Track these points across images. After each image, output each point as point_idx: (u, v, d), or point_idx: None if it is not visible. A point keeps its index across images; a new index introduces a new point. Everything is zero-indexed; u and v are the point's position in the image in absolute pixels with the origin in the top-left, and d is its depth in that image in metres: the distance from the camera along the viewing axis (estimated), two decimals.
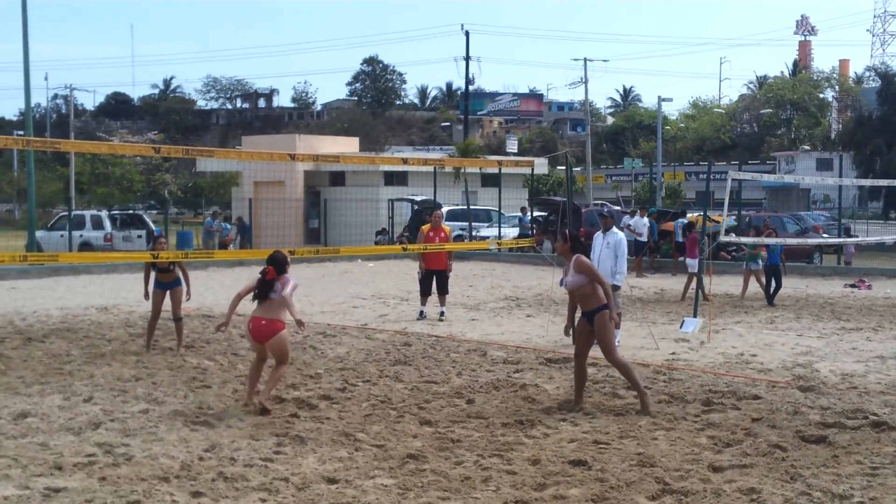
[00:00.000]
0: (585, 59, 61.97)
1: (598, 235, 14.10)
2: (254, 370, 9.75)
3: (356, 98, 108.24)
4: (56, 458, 7.57)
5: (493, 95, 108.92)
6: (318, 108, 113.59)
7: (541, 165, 48.17)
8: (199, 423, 8.79)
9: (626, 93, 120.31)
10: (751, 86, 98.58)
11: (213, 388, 10.41)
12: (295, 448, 7.99)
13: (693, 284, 18.06)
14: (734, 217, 29.53)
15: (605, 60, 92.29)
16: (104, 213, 37.28)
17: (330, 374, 11.26)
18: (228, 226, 35.94)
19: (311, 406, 9.55)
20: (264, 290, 9.48)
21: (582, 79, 62.48)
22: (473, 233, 32.80)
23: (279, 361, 9.54)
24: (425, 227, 16.98)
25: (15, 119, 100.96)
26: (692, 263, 19.28)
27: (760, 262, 19.50)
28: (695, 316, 15.54)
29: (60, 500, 6.60)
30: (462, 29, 64.96)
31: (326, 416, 9.13)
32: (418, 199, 37.86)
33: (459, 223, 33.34)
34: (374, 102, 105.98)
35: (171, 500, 6.61)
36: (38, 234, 31.70)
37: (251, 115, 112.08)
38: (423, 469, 7.38)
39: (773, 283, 19.04)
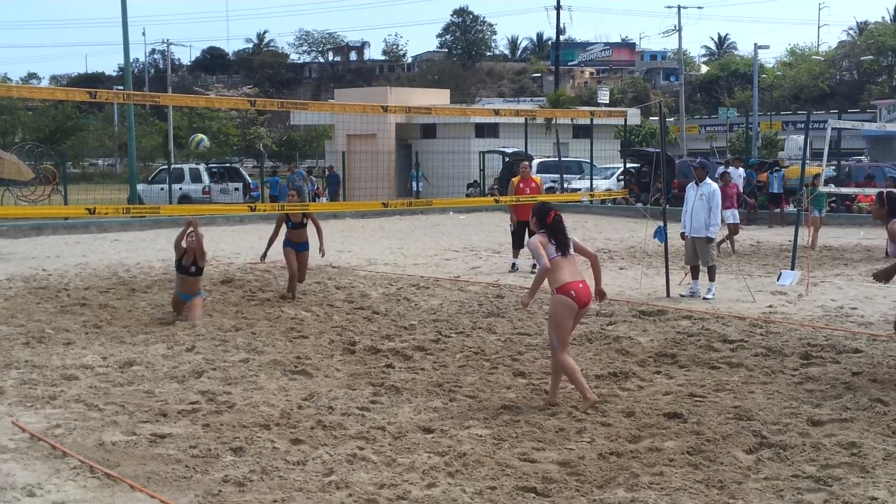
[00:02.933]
0: (679, 7, 60.63)
1: (692, 186, 13.91)
2: (573, 365, 8.01)
3: (446, 50, 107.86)
4: (161, 406, 7.83)
5: (585, 45, 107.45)
6: (409, 60, 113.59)
7: (633, 116, 47.42)
8: (297, 373, 8.99)
9: (721, 41, 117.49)
10: (851, 32, 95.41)
11: (311, 339, 10.61)
12: (391, 398, 8.12)
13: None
14: (833, 167, 28.79)
15: (699, 8, 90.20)
16: (202, 167, 38.03)
17: (424, 326, 11.38)
18: (315, 179, 36.40)
19: (406, 357, 9.67)
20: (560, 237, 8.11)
21: (675, 27, 61.23)
22: (565, 184, 32.58)
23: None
24: (515, 179, 16.96)
25: (114, 74, 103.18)
26: (727, 215, 18.32)
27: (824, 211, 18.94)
28: (792, 268, 15.25)
29: (166, 445, 6.82)
30: None
31: (421, 367, 9.24)
32: (509, 150, 37.70)
33: (551, 175, 33.15)
34: (465, 54, 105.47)
35: (272, 446, 6.78)
36: (139, 187, 32.50)
37: (343, 68, 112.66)
38: (518, 420, 7.43)
39: None
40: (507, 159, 36.35)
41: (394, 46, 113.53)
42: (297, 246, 13.54)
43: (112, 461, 6.46)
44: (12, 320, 11.66)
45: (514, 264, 16.68)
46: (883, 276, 9.07)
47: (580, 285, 7.88)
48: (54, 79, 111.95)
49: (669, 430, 7.11)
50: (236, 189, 36.56)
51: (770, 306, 12.67)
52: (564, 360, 7.85)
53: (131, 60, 31.96)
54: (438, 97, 47.97)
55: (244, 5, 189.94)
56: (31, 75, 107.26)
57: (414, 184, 37.48)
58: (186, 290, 11.86)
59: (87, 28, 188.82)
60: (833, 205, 27.65)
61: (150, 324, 11.50)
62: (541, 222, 8.14)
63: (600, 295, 8.32)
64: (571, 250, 8.08)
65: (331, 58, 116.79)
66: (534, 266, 16.30)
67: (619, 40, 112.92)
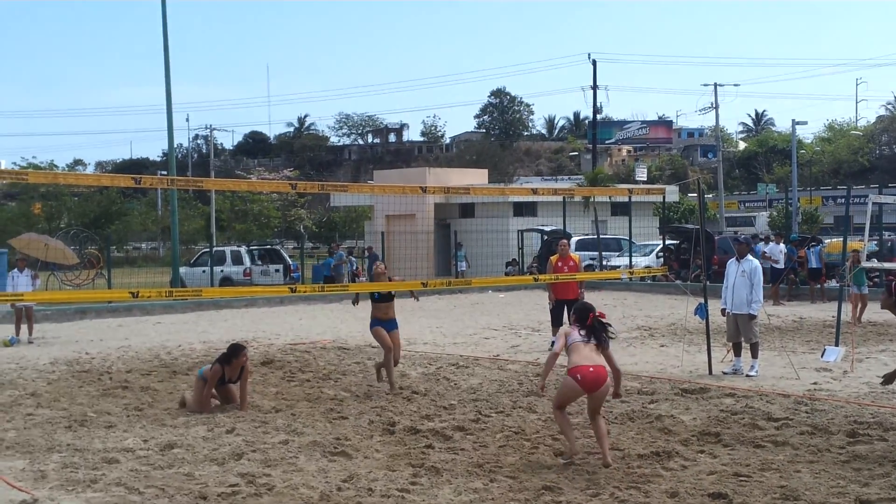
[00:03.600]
0: (716, 84, 60.90)
1: (733, 262, 13.85)
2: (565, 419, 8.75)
3: (484, 130, 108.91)
4: (201, 488, 7.82)
5: (622, 123, 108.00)
6: (447, 141, 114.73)
7: (671, 192, 47.49)
8: (336, 454, 8.95)
9: (759, 117, 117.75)
10: (889, 107, 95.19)
11: (350, 419, 10.58)
12: (430, 479, 8.06)
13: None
14: (875, 242, 28.52)
15: (735, 85, 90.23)
16: (243, 249, 38.41)
17: (463, 405, 11.31)
18: (354, 259, 36.60)
19: (446, 437, 9.61)
20: (598, 334, 8.74)
21: (712, 104, 61.44)
22: (604, 262, 32.54)
23: (598, 411, 8.66)
24: (553, 258, 16.94)
25: (158, 160, 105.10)
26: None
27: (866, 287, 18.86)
28: (836, 344, 15.04)
29: None
30: (589, 58, 64.50)
31: (461, 447, 9.17)
32: (548, 229, 37.78)
33: (589, 252, 33.12)
34: (502, 134, 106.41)
35: None
36: (182, 269, 32.84)
37: (382, 149, 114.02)
38: (560, 500, 7.34)
39: None
40: (546, 237, 36.42)
41: (432, 128, 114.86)
42: (387, 325, 12.67)
43: None
44: (55, 404, 11.76)
45: (553, 342, 16.54)
46: (893, 378, 8.99)
47: (590, 370, 8.30)
48: (100, 165, 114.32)
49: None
50: (277, 270, 36.83)
51: (815, 383, 12.48)
52: (556, 413, 8.69)
53: (175, 146, 32.58)
54: (476, 177, 48.36)
55: (285, 90, 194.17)
56: (77, 161, 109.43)
57: (459, 263, 37.47)
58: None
59: (132, 115, 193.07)
60: (876, 279, 27.33)
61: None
62: (580, 321, 8.71)
63: (616, 396, 9.18)
64: (600, 341, 8.66)
65: (370, 140, 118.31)
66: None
67: (656, 118, 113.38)
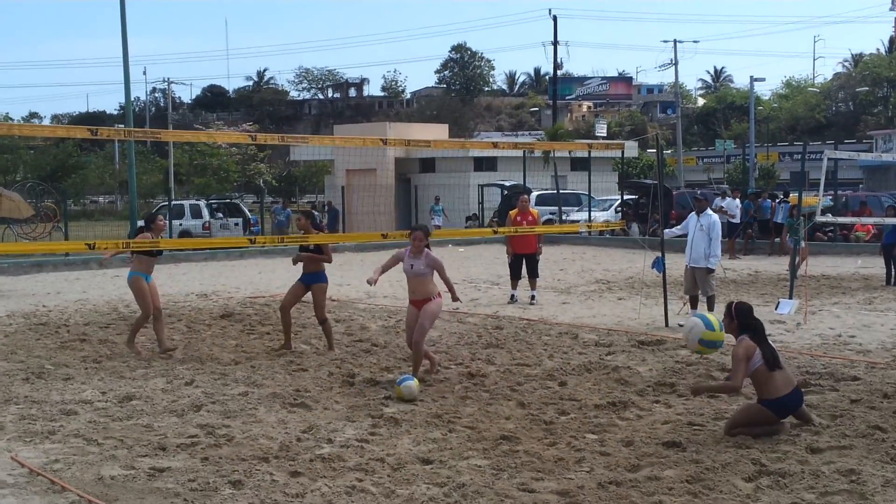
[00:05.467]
0: (675, 41, 61.14)
1: (692, 217, 13.99)
2: None
3: (445, 85, 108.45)
4: (160, 439, 7.83)
5: (582, 79, 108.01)
6: (408, 96, 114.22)
7: (631, 148, 47.64)
8: (296, 406, 8.99)
9: (718, 74, 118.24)
10: (846, 64, 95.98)
11: (310, 371, 10.62)
12: (390, 429, 8.12)
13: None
14: (830, 197, 28.87)
15: (695, 41, 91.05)
16: (202, 203, 38.14)
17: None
18: (316, 214, 36.39)
19: None
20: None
21: (672, 60, 61.67)
22: (564, 217, 32.68)
23: None
24: (513, 212, 17.02)
25: (116, 113, 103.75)
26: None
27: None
28: (790, 297, 15.27)
29: (164, 479, 6.81)
30: (550, 14, 64.21)
31: (420, 398, 9.24)
32: (508, 184, 37.85)
33: (549, 207, 33.25)
34: (463, 89, 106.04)
35: (270, 479, 6.78)
36: (140, 223, 32.53)
37: (342, 104, 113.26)
38: (517, 450, 7.43)
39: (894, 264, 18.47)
40: (506, 192, 36.49)
41: (392, 83, 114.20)
42: (309, 278, 12.09)
43: (111, 495, 6.46)
44: (12, 356, 11.68)
45: (513, 296, 16.70)
46: (702, 390, 8.36)
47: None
48: (56, 118, 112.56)
49: (668, 459, 7.11)
50: (236, 224, 36.64)
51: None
52: None
53: (132, 99, 32.14)
54: (437, 132, 48.23)
55: (244, 44, 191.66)
56: (33, 114, 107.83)
57: (436, 218, 37.26)
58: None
59: (88, 68, 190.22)
60: (831, 234, 27.72)
61: (149, 358, 11.51)
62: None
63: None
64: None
65: (330, 94, 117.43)
66: (532, 298, 16.38)
67: (616, 74, 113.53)
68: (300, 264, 12.19)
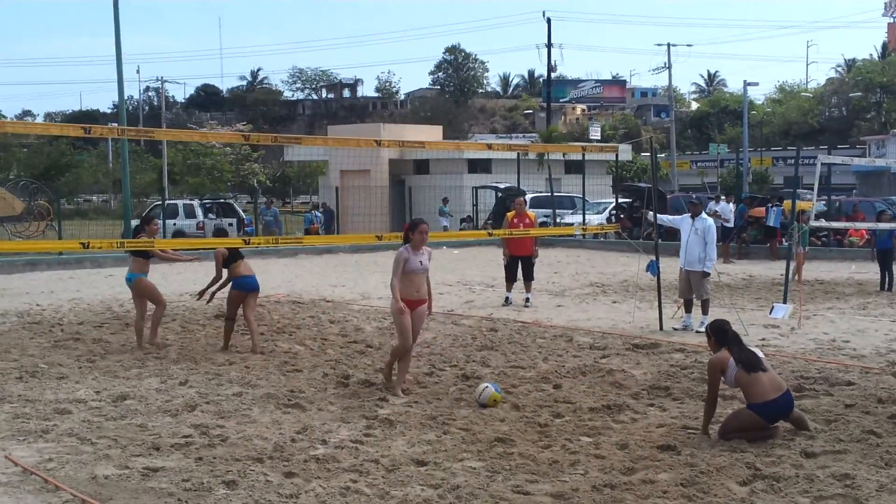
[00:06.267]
0: (669, 45, 61.31)
1: (686, 219, 13.99)
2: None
3: (439, 87, 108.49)
4: (154, 439, 7.81)
5: (576, 82, 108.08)
6: (402, 97, 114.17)
7: (625, 152, 47.74)
8: (290, 406, 8.98)
9: (711, 78, 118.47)
10: (839, 69, 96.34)
11: (304, 372, 10.60)
12: (384, 430, 8.12)
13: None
14: (824, 202, 28.93)
15: (688, 45, 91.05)
16: (196, 202, 38.08)
17: (417, 359, 11.35)
18: (318, 214, 36.39)
19: (400, 390, 9.65)
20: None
21: (665, 64, 61.89)
22: (558, 220, 32.70)
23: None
24: (510, 214, 17.02)
25: (109, 111, 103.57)
26: None
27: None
28: (785, 302, 15.30)
29: (158, 479, 6.80)
30: (544, 16, 64.22)
31: (414, 400, 9.23)
32: (502, 186, 37.85)
33: (543, 210, 33.25)
34: (457, 91, 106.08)
35: (265, 479, 6.77)
36: (133, 222, 32.46)
37: (336, 105, 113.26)
38: (511, 452, 7.43)
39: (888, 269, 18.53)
40: (500, 194, 36.49)
41: (386, 84, 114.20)
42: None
43: (104, 495, 6.44)
44: (6, 355, 11.65)
45: (507, 298, 16.70)
46: (705, 427, 7.93)
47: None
48: (49, 116, 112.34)
49: (663, 463, 7.12)
50: (230, 224, 36.54)
51: (763, 339, 12.70)
52: None
53: (125, 98, 32.09)
54: (431, 134, 48.21)
55: (238, 43, 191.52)
56: (26, 112, 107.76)
57: (443, 219, 37.06)
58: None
59: (81, 66, 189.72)
60: (825, 239, 27.77)
61: (143, 358, 11.48)
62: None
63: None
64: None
65: (324, 95, 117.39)
66: (527, 300, 16.38)
67: (610, 77, 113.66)
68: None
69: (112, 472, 6.92)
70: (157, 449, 7.54)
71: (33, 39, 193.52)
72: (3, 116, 77.25)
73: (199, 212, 36.41)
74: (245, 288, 12.06)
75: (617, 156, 20.18)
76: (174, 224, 34.70)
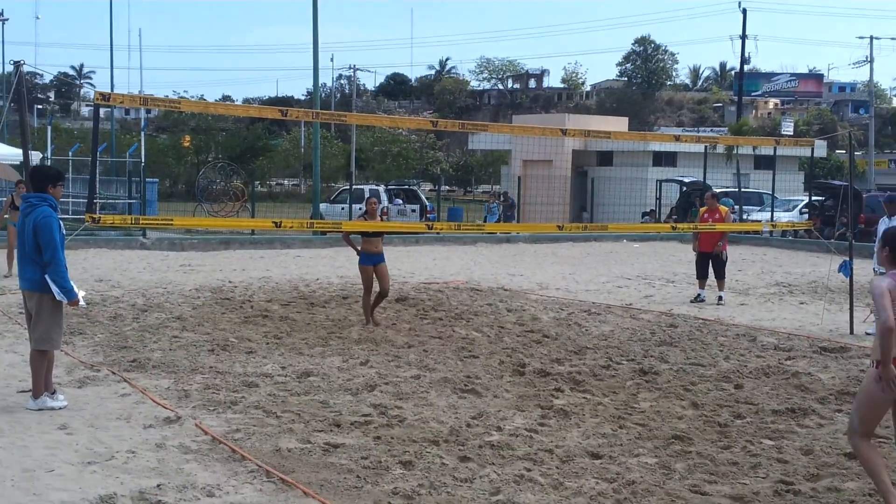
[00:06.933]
0: (871, 37, 58.45)
1: (884, 220, 13.33)
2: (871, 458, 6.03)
3: (626, 78, 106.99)
4: (335, 416, 8.04)
5: (769, 76, 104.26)
6: (587, 88, 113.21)
7: (819, 148, 45.87)
8: (466, 391, 9.06)
9: None
10: None
11: (481, 359, 10.68)
12: (559, 421, 8.09)
13: None
14: None
15: (892, 38, 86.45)
16: (382, 188, 38.93)
17: (594, 351, 11.29)
18: (495, 205, 36.56)
19: (576, 381, 9.61)
20: None
21: (867, 58, 59.02)
22: (744, 216, 31.76)
23: None
24: (702, 210, 16.64)
25: (303, 98, 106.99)
26: None
27: None
28: None
29: (338, 455, 6.99)
30: (739, 7, 62.44)
31: (591, 392, 9.17)
32: (687, 180, 37.06)
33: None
34: (644, 83, 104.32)
35: (440, 462, 6.86)
36: (322, 206, 33.54)
37: (521, 95, 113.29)
38: (689, 451, 7.27)
39: None
40: (685, 189, 35.73)
41: (573, 74, 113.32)
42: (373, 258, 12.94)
43: (287, 467, 6.67)
44: (199, 328, 12.23)
45: (699, 295, 16.14)
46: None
47: None
48: (247, 101, 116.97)
49: (850, 471, 6.82)
50: (413, 210, 37.22)
51: None
52: (860, 447, 6.02)
53: (319, 85, 33.10)
54: (616, 125, 47.66)
55: (428, 33, 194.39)
56: (226, 97, 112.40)
57: (489, 217, 36.52)
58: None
59: (278, 53, 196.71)
60: None
61: (327, 337, 11.83)
62: (894, 253, 6.11)
63: None
64: None
65: (510, 85, 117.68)
66: (720, 298, 15.91)
67: (807, 71, 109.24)
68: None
69: (295, 446, 7.17)
70: (337, 426, 7.75)
71: (235, 28, 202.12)
72: (205, 100, 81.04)
73: (384, 197, 37.23)
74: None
75: (813, 150, 19.34)
76: (360, 208, 35.56)
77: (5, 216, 17.27)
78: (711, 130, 76.73)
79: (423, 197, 39.42)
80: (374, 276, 12.88)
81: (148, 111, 65.15)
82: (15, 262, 16.56)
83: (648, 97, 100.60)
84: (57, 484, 6.27)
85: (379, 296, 13.02)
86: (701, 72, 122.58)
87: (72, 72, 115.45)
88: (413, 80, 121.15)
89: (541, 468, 6.80)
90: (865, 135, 63.12)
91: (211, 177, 39.92)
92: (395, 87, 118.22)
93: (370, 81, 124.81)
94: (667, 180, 38.09)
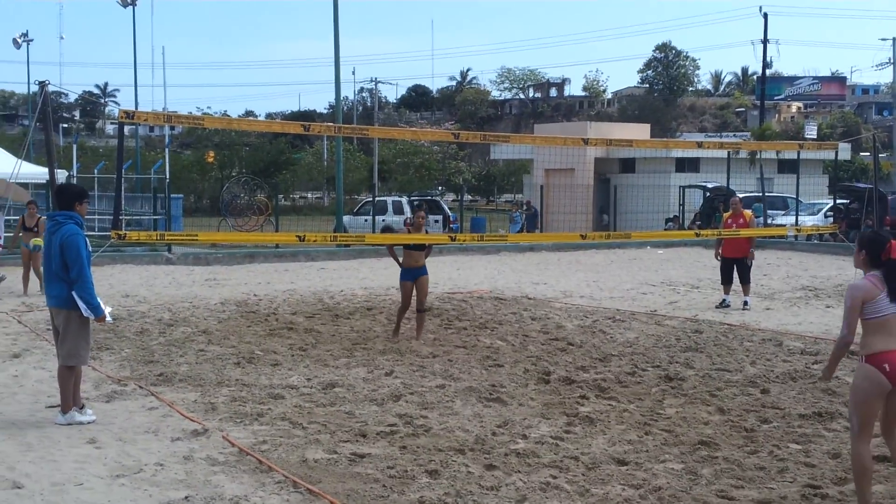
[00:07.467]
0: (894, 39, 57.98)
1: None
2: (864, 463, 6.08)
3: (647, 85, 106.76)
4: (361, 426, 8.07)
5: (792, 79, 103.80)
6: (609, 96, 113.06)
7: (843, 150, 45.61)
8: (491, 400, 9.08)
9: None
10: None
11: (506, 368, 10.69)
12: (585, 428, 8.09)
13: None
14: None
15: None
16: (404, 199, 39.03)
17: (619, 359, 11.27)
18: (518, 214, 36.57)
19: (601, 388, 9.60)
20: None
21: (890, 60, 58.56)
22: (769, 221, 31.60)
23: None
24: (726, 215, 16.58)
25: (325, 112, 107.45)
26: None
27: None
28: None
29: (365, 465, 7.02)
30: (760, 11, 62.29)
31: (616, 399, 9.16)
32: (710, 185, 36.91)
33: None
34: (666, 89, 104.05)
35: (466, 471, 6.87)
36: (345, 218, 33.66)
37: (543, 104, 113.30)
38: (716, 456, 7.26)
39: None
40: (708, 194, 35.58)
41: (594, 82, 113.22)
42: (415, 273, 13.02)
43: (314, 477, 6.71)
44: (225, 341, 12.30)
45: (724, 300, 16.08)
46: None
47: None
48: (269, 115, 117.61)
49: (878, 475, 6.76)
50: (436, 221, 37.26)
51: None
52: (857, 450, 6.04)
53: (341, 98, 33.28)
54: (638, 132, 47.52)
55: (449, 44, 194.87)
56: (249, 112, 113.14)
57: (512, 227, 36.56)
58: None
59: (299, 68, 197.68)
60: None
61: (352, 348, 11.88)
62: (872, 257, 6.17)
63: None
64: None
65: (531, 94, 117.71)
66: (745, 303, 15.84)
67: (829, 74, 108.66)
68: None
69: (321, 457, 7.20)
70: (363, 436, 7.78)
71: (257, 44, 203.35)
72: (228, 115, 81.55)
73: (406, 209, 37.32)
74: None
75: (836, 153, 19.25)
76: (382, 220, 35.70)
77: (19, 235, 17.44)
78: (734, 136, 76.44)
79: (445, 207, 39.48)
80: (414, 289, 12.81)
81: (172, 128, 65.67)
82: (30, 282, 16.85)
83: (670, 103, 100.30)
84: (86, 497, 6.33)
85: (417, 312, 12.78)
86: (723, 77, 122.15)
87: (96, 90, 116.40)
88: (434, 92, 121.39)
89: (567, 475, 6.80)
90: (890, 137, 62.65)
91: (235, 191, 40.13)
92: (417, 99, 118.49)
93: (392, 94, 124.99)
94: (690, 186, 37.95)
